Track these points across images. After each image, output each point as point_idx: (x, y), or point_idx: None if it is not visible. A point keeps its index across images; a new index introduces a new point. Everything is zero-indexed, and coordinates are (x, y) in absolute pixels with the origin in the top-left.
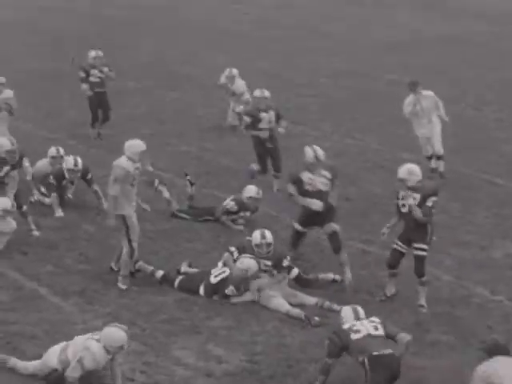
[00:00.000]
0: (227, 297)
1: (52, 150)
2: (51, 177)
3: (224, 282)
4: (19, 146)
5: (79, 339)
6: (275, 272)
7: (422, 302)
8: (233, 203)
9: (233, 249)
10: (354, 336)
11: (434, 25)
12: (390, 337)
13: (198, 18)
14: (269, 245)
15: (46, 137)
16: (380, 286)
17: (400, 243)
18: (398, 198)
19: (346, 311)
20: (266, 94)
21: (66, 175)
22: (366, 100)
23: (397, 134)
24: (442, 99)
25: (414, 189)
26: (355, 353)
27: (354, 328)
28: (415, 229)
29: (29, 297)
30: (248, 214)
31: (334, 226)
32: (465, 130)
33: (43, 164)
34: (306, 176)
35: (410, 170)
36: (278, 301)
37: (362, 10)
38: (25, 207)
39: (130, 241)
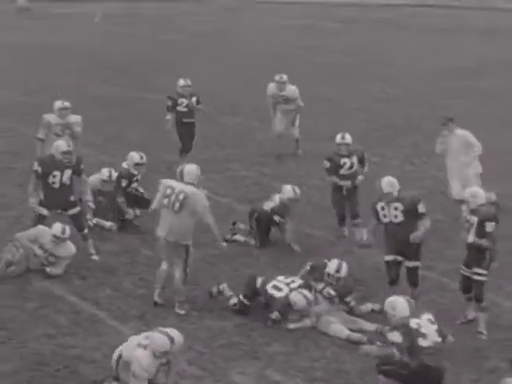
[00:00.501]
0: (279, 322)
1: (105, 173)
2: (122, 180)
3: (273, 301)
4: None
5: (133, 341)
6: (336, 301)
7: (482, 328)
8: (278, 217)
9: (308, 265)
10: (421, 342)
11: (491, 49)
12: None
13: (255, 43)
14: (339, 279)
15: (106, 161)
16: (440, 311)
17: (464, 268)
18: (465, 221)
19: (401, 303)
20: (347, 140)
21: (135, 171)
22: (426, 126)
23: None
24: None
25: (474, 212)
26: (412, 355)
27: (422, 331)
28: (474, 253)
29: (88, 321)
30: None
31: (415, 263)
32: None
33: (96, 178)
34: (379, 206)
35: (473, 193)
36: (337, 326)
37: (426, 37)
38: (86, 230)
39: (186, 267)
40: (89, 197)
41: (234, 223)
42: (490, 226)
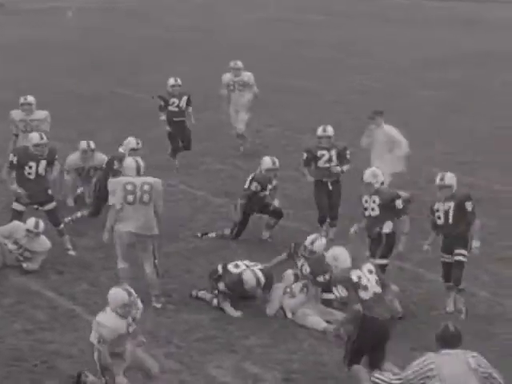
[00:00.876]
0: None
1: (83, 144)
2: (115, 162)
3: (227, 275)
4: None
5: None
6: (310, 286)
7: (460, 305)
8: (255, 184)
9: (293, 244)
10: (362, 294)
11: (473, 40)
12: (382, 287)
13: (233, 38)
14: (312, 252)
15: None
16: (415, 302)
17: (445, 255)
18: (433, 212)
19: (343, 254)
20: (329, 132)
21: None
22: (402, 117)
23: (430, 151)
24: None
25: (450, 197)
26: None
27: (363, 283)
28: (456, 237)
29: (65, 316)
30: (272, 184)
31: (378, 261)
32: (500, 146)
33: (76, 156)
34: (364, 199)
35: (455, 178)
36: (314, 318)
37: (399, 29)
38: (62, 226)
39: (155, 259)
40: (56, 173)
41: (202, 235)
42: (469, 205)
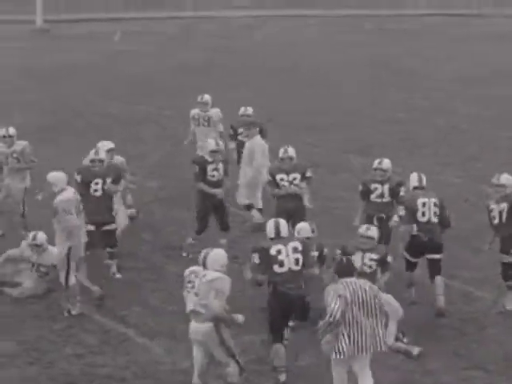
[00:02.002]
0: None
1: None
2: (195, 166)
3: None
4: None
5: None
6: None
7: (510, 306)
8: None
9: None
10: (276, 268)
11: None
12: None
13: (273, 60)
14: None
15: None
16: (465, 320)
17: (503, 255)
18: (489, 212)
19: (269, 224)
20: (384, 165)
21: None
22: (447, 135)
23: (477, 167)
24: None
25: (505, 198)
26: (268, 279)
27: (280, 258)
28: (509, 238)
29: (117, 339)
30: (288, 177)
31: None
32: None
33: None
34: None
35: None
36: None
37: (438, 46)
38: (116, 249)
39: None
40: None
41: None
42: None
